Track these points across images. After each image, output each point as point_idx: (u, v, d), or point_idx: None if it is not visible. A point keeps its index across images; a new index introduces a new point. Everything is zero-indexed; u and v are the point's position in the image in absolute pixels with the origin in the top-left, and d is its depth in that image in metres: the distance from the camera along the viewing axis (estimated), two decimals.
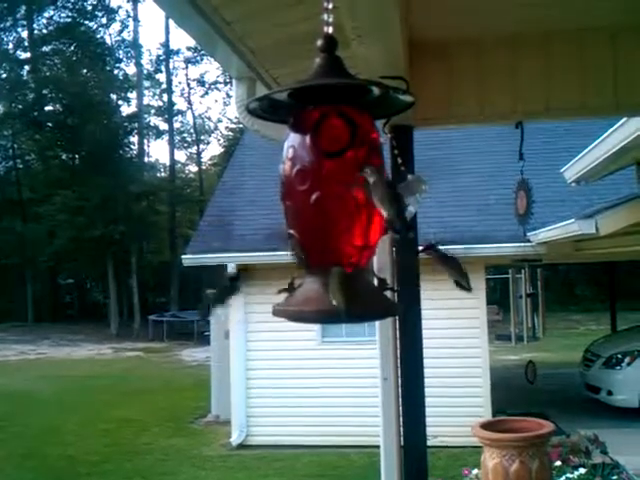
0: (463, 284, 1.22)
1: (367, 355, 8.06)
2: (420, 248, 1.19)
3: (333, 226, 0.95)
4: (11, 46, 36.30)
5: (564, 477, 5.78)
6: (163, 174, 41.76)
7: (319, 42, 0.98)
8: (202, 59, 39.52)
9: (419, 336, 2.68)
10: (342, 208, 0.95)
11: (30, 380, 17.01)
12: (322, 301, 0.92)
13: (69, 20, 36.39)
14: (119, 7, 43.59)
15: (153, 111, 40.76)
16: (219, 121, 46.91)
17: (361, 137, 0.96)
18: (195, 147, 43.70)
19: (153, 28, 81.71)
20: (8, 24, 35.32)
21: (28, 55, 36.64)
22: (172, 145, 40.08)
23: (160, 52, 40.07)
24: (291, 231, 1.00)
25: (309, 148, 0.95)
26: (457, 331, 9.43)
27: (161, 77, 40.64)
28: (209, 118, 47.62)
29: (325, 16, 0.99)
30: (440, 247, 1.42)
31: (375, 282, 1.06)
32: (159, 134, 41.20)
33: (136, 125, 36.59)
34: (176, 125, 41.76)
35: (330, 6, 0.99)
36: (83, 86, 32.86)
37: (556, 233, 7.81)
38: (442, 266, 1.22)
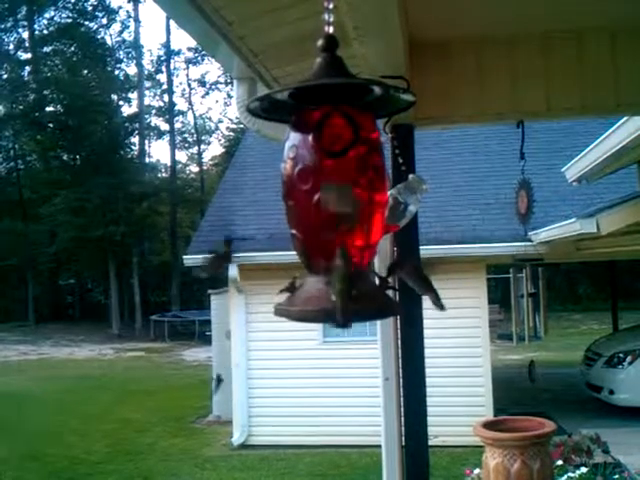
0: (436, 303, 1.19)
1: (369, 355, 8.06)
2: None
3: (334, 226, 0.96)
4: (12, 47, 36.38)
5: (566, 476, 5.78)
6: (164, 174, 41.80)
7: (320, 42, 0.99)
8: (203, 59, 39.58)
9: (420, 336, 2.68)
10: None
11: (31, 380, 17.03)
12: (324, 300, 0.92)
13: (70, 21, 36.42)
14: (120, 7, 43.57)
15: (154, 111, 40.82)
16: (220, 121, 47.00)
17: (363, 137, 0.96)
18: (196, 147, 43.76)
19: (154, 28, 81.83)
20: (9, 25, 35.35)
21: (29, 56, 36.67)
22: (173, 145, 40.10)
23: (161, 52, 40.19)
24: (293, 231, 1.00)
25: (311, 148, 0.95)
26: (458, 331, 9.42)
27: (162, 77, 40.73)
28: (210, 118, 47.72)
29: (326, 15, 0.99)
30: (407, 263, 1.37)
31: (376, 281, 1.06)
32: (160, 134, 41.27)
33: (137, 125, 36.63)
34: (177, 125, 41.84)
35: (331, 6, 0.99)
36: (84, 87, 32.89)
37: (557, 232, 7.81)
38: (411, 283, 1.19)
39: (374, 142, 0.99)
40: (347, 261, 0.92)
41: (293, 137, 0.98)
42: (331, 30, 0.99)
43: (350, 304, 0.89)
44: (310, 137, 0.95)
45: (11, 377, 17.74)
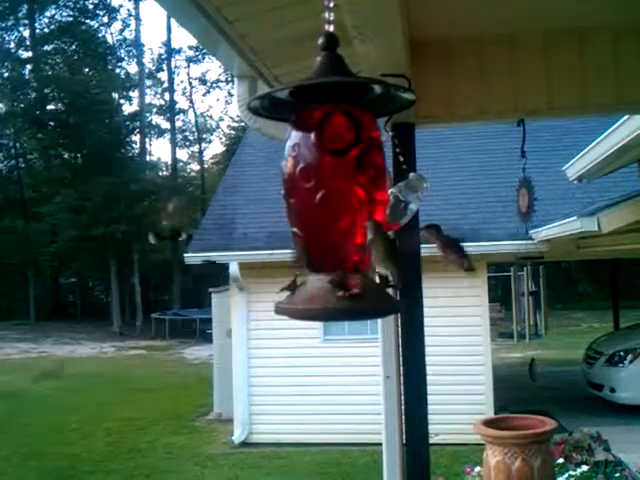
0: (466, 265, 1.22)
1: (369, 353, 8.07)
2: (421, 226, 1.21)
3: (336, 223, 0.96)
4: (13, 45, 36.37)
5: (567, 474, 5.78)
6: (165, 173, 41.80)
7: (320, 40, 0.99)
8: (204, 58, 39.56)
9: (421, 334, 2.68)
10: (345, 205, 0.95)
11: (32, 379, 17.03)
12: (327, 299, 0.93)
13: (71, 19, 36.43)
14: (120, 6, 43.71)
15: (155, 110, 40.83)
16: (221, 119, 46.97)
17: (364, 135, 0.96)
18: (197, 146, 43.73)
19: (155, 27, 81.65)
20: (10, 23, 35.35)
21: (30, 54, 36.67)
22: (174, 144, 40.11)
23: (162, 51, 40.19)
24: (294, 229, 1.00)
25: (312, 146, 0.95)
26: (459, 329, 9.43)
27: (163, 76, 40.73)
28: (211, 117, 47.61)
29: (326, 14, 0.99)
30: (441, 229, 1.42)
31: (377, 279, 1.06)
32: (161, 133, 41.27)
33: (138, 124, 36.64)
34: (178, 124, 41.82)
35: (331, 4, 0.99)
36: (85, 85, 32.87)
37: (558, 230, 7.81)
38: (442, 248, 1.22)
39: (375, 141, 0.99)
40: (381, 233, 0.93)
41: (294, 136, 0.98)
42: (331, 29, 1.00)
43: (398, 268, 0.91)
44: (311, 136, 0.95)
45: (12, 375, 17.75)
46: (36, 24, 36.56)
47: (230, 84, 38.56)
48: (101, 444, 10.41)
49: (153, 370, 18.75)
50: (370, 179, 0.96)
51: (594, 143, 6.07)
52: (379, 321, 2.80)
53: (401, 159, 2.21)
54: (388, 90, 0.99)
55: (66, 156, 36.03)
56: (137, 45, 38.07)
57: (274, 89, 1.00)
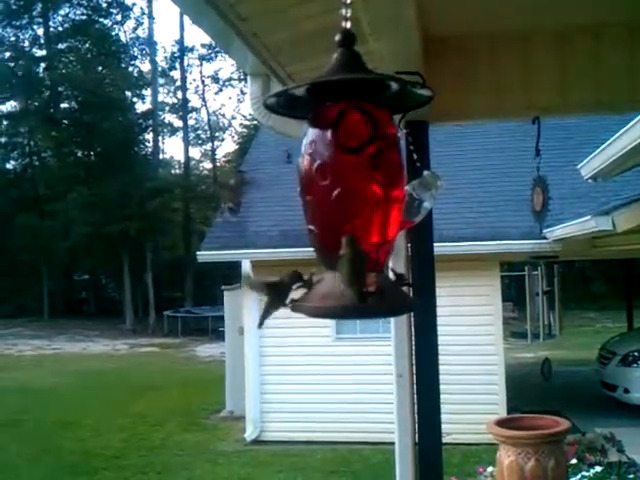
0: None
1: (382, 352, 8.06)
2: None
3: (351, 221, 0.95)
4: (27, 44, 36.56)
5: (580, 475, 5.76)
6: (178, 171, 41.93)
7: (337, 37, 0.98)
8: (216, 56, 39.59)
9: (434, 333, 2.67)
10: (360, 203, 0.95)
11: (46, 375, 17.16)
12: (340, 297, 0.92)
13: (84, 18, 36.61)
14: (134, 4, 43.67)
15: (168, 108, 40.90)
16: (233, 118, 47.01)
17: (380, 132, 0.96)
18: (209, 144, 43.79)
19: (168, 25, 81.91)
20: (24, 22, 35.56)
21: (44, 53, 36.88)
22: (186, 142, 40.19)
23: (175, 49, 40.21)
24: (310, 226, 1.00)
25: (328, 143, 0.95)
26: (472, 328, 9.40)
27: (176, 74, 40.77)
28: (223, 115, 47.64)
29: (343, 11, 0.99)
30: None
31: (392, 277, 1.06)
32: (174, 131, 41.37)
33: (151, 122, 36.78)
34: (190, 122, 41.89)
35: (348, 1, 0.99)
36: (98, 83, 33.02)
37: (572, 230, 7.76)
38: None
39: (392, 138, 0.98)
40: (355, 248, 0.91)
41: (311, 133, 0.98)
42: (348, 25, 0.99)
43: (365, 293, 0.89)
44: (327, 133, 0.95)
45: (26, 372, 17.88)
46: (50, 22, 36.77)
47: (243, 82, 38.60)
48: (114, 440, 10.47)
49: (165, 367, 18.83)
50: (386, 176, 0.96)
51: (609, 142, 6.03)
52: (392, 320, 2.79)
53: (415, 157, 2.20)
54: (405, 87, 0.98)
55: (80, 154, 36.23)
56: (150, 43, 38.21)
57: (291, 86, 0.99)
